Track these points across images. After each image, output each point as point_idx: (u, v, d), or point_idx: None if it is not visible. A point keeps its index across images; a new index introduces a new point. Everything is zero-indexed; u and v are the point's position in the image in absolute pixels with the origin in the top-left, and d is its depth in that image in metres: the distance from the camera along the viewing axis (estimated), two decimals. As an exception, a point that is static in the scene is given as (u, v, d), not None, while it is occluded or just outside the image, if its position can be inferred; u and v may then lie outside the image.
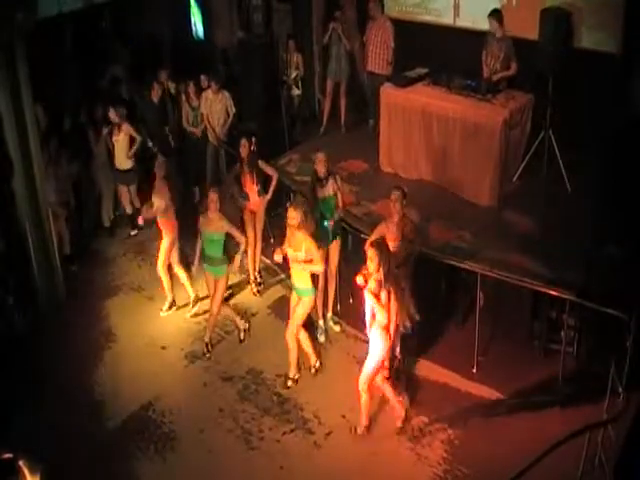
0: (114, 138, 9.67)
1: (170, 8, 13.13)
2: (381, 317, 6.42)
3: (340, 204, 8.04)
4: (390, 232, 7.30)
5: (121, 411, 7.35)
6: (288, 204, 7.38)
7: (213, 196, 7.69)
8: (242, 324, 8.23)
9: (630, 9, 8.90)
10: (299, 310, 7.37)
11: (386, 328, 6.48)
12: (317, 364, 7.67)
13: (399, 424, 6.94)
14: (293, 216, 7.10)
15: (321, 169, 7.88)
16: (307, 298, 7.34)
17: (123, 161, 9.78)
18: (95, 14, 11.99)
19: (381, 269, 6.31)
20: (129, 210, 10.09)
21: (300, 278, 7.29)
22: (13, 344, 7.85)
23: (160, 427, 7.19)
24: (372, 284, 6.35)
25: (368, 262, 6.34)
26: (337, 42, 11.04)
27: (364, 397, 6.76)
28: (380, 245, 6.45)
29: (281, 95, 11.55)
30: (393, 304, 6.49)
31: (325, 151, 8.08)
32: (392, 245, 7.25)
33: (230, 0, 12.92)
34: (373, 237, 7.28)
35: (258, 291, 9.00)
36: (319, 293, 8.06)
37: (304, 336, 7.54)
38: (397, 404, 6.94)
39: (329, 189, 7.92)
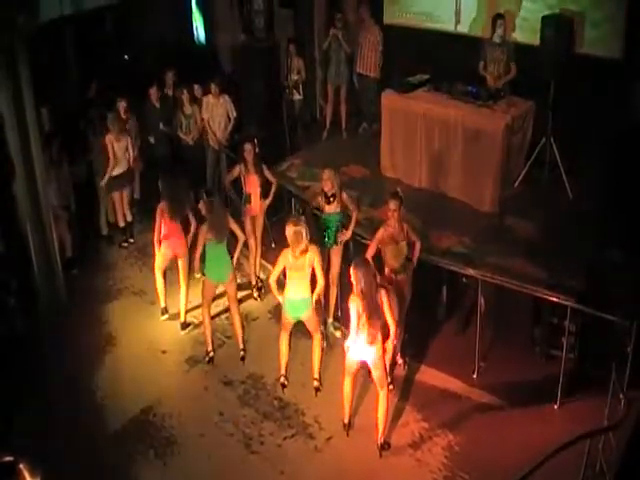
0: (114, 145, 9.53)
1: (172, 12, 13.16)
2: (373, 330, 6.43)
3: (353, 220, 7.97)
4: (389, 238, 7.29)
5: (121, 415, 7.34)
6: (289, 217, 7.19)
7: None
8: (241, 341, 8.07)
9: (632, 14, 8.93)
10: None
11: (376, 339, 6.47)
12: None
13: (381, 440, 6.79)
14: (293, 232, 6.92)
15: (328, 186, 7.79)
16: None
17: (119, 165, 9.65)
18: (97, 17, 12.01)
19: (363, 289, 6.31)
20: (122, 223, 10.02)
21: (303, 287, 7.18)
22: (14, 346, 7.83)
23: (160, 431, 7.18)
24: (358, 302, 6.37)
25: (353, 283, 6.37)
26: (337, 47, 11.08)
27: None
28: (360, 266, 6.41)
29: (282, 100, 11.56)
30: (392, 312, 6.51)
31: (330, 165, 8.00)
32: (392, 251, 7.25)
33: (232, 4, 12.95)
34: (373, 245, 7.29)
35: (259, 296, 8.98)
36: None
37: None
38: (383, 422, 6.76)
39: (335, 206, 7.85)
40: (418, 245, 7.48)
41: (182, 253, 8.35)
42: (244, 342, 8.04)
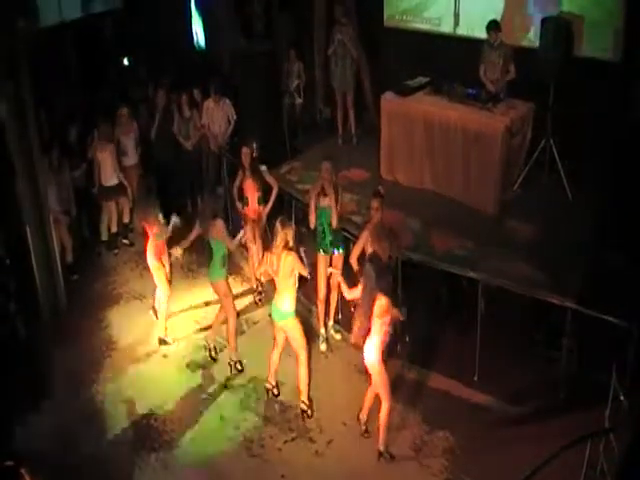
0: (99, 155, 9.62)
1: (172, 17, 13.17)
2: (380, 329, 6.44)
3: (335, 216, 7.82)
4: (373, 236, 7.23)
5: (122, 419, 7.35)
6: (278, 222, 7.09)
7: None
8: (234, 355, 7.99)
9: (630, 16, 8.94)
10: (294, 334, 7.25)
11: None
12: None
13: (381, 448, 6.76)
14: (282, 236, 6.91)
15: (327, 177, 7.79)
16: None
17: (110, 177, 9.73)
18: (97, 23, 12.03)
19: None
20: (114, 228, 10.06)
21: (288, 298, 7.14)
22: (15, 351, 7.84)
23: (161, 435, 7.18)
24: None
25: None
26: (343, 53, 10.92)
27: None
28: (371, 264, 6.41)
29: (282, 103, 11.57)
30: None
31: (330, 161, 7.94)
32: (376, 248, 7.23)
33: (231, 9, 12.97)
34: (358, 247, 7.31)
35: (260, 300, 8.99)
36: (320, 303, 8.08)
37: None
38: (384, 429, 6.74)
39: (327, 200, 7.81)
40: (395, 244, 7.35)
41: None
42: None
